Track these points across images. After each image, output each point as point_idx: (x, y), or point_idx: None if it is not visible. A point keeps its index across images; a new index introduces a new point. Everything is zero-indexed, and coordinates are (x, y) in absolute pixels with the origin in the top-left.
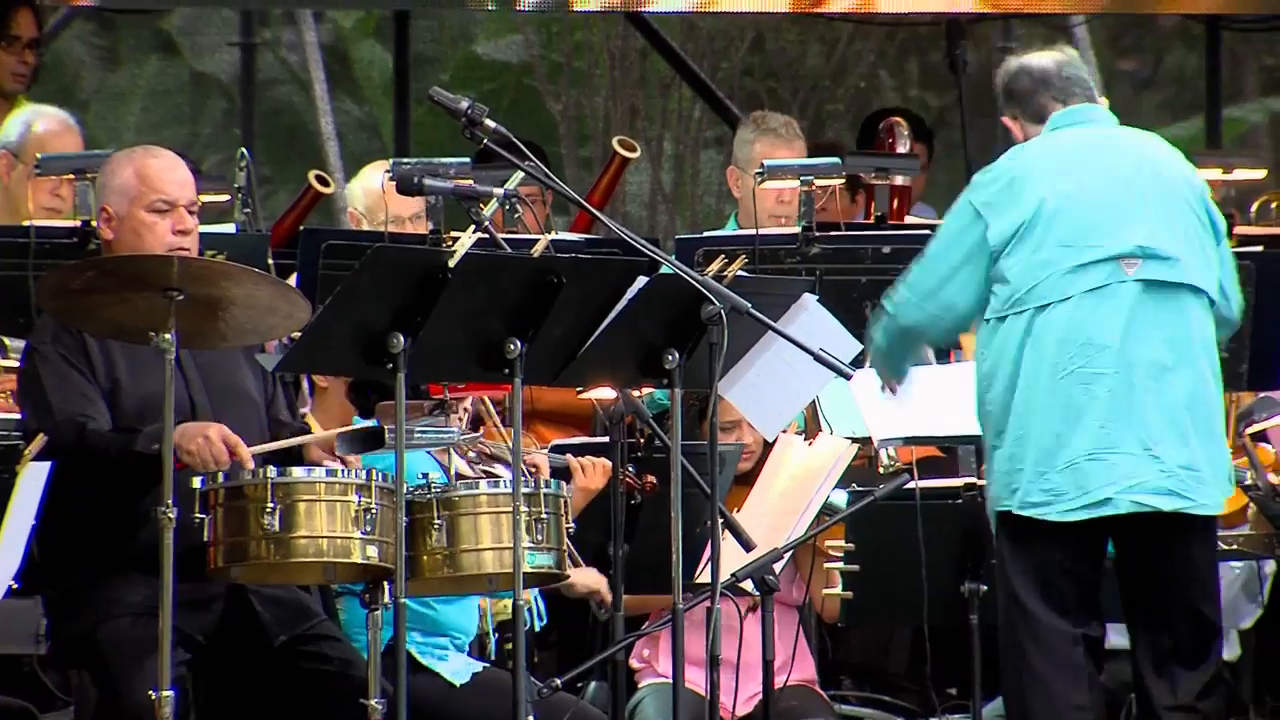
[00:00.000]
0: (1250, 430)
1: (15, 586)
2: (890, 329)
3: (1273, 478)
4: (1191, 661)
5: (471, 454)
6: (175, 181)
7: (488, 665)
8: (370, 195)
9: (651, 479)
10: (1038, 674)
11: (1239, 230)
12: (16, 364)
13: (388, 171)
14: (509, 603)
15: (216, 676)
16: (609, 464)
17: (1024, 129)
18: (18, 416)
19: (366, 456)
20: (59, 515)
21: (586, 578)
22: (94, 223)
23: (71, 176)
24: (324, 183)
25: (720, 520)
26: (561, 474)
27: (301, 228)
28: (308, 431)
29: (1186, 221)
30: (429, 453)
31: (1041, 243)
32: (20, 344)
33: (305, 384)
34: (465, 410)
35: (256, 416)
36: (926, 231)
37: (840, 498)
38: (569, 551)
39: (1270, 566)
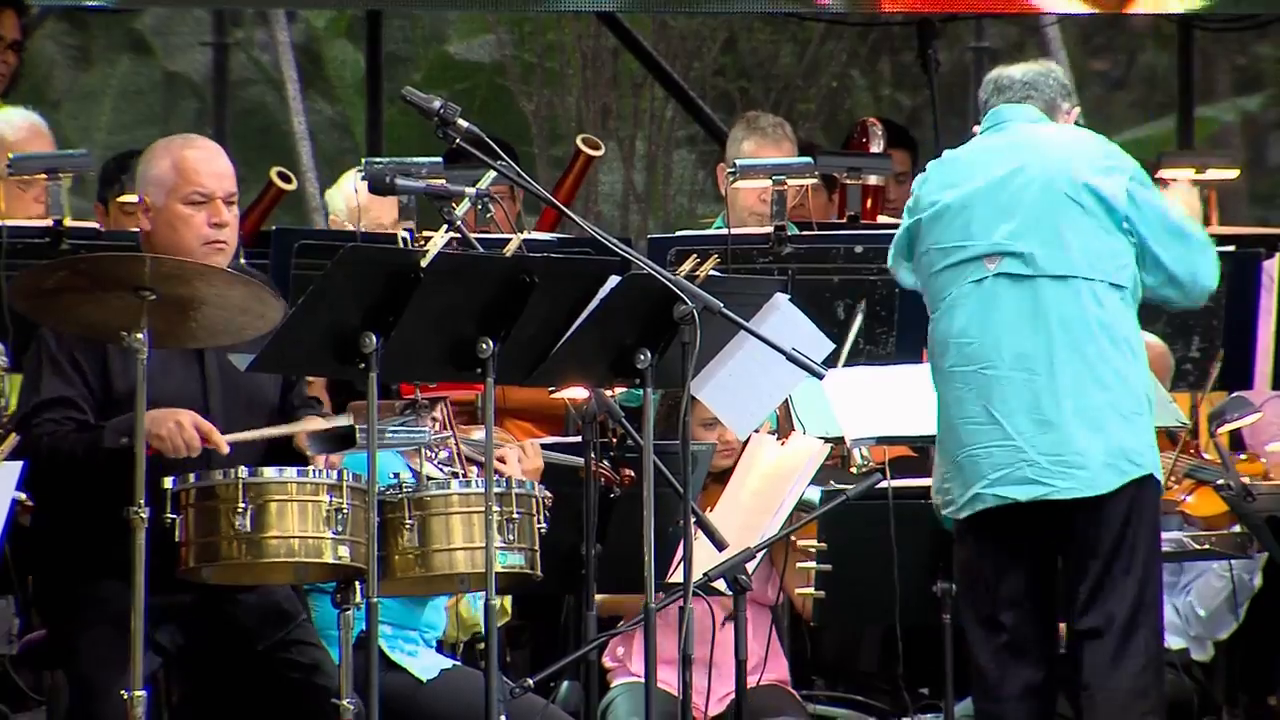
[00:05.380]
0: (1222, 430)
1: None
2: None
3: (1244, 477)
4: (1114, 646)
5: (444, 454)
6: (212, 174)
7: (458, 664)
8: (352, 199)
9: (629, 472)
10: (974, 661)
11: (1210, 230)
12: None
13: (359, 171)
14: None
15: (191, 679)
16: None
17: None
18: None
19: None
20: (34, 514)
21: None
22: (66, 222)
23: (43, 177)
24: (286, 179)
25: (693, 519)
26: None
27: (274, 228)
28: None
29: (1058, 213)
30: (399, 454)
31: (925, 247)
32: None
33: None
34: (434, 419)
35: (268, 421)
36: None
37: (814, 494)
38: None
39: (1258, 581)
